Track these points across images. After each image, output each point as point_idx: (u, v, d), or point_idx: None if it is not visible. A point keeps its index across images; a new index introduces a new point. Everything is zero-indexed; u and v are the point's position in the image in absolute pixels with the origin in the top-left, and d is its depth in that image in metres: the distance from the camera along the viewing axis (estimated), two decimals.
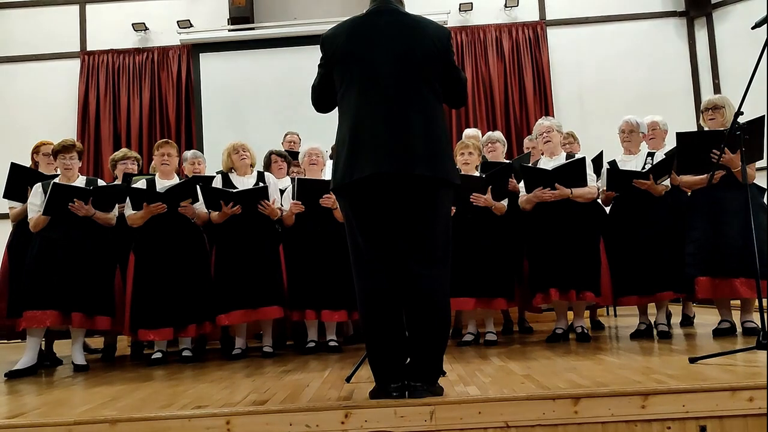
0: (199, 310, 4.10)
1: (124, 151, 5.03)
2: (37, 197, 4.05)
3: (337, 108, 2.62)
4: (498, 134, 5.02)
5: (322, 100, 2.66)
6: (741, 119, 3.09)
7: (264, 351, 4.20)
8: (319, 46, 2.60)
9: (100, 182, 4.31)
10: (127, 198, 4.16)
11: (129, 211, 4.15)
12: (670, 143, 4.26)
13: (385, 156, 2.39)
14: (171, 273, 4.05)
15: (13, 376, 3.78)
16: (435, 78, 2.51)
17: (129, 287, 4.13)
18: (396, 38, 2.49)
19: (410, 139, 2.41)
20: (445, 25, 5.57)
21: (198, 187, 4.20)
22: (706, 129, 4.07)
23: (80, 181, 4.16)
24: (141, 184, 4.21)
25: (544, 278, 4.06)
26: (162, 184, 4.19)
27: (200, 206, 4.24)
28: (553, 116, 6.64)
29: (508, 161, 4.85)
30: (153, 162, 4.55)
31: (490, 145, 4.87)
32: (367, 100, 2.46)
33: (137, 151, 7.21)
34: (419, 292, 2.42)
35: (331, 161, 2.92)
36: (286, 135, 5.96)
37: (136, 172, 4.71)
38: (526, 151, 5.28)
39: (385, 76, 2.45)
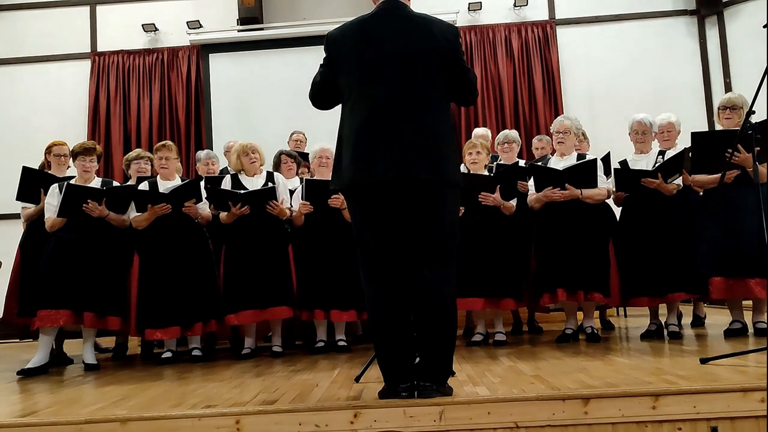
0: (204, 308, 4.12)
1: (137, 151, 5.03)
2: (54, 197, 4.08)
3: (339, 106, 2.61)
4: (514, 134, 4.90)
5: (321, 97, 2.64)
6: (753, 118, 3.06)
7: (273, 351, 4.21)
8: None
9: (114, 183, 4.34)
10: (131, 201, 4.18)
11: (133, 214, 4.17)
12: (682, 143, 4.22)
13: (390, 159, 2.38)
14: (175, 272, 4.08)
15: (25, 374, 3.81)
16: (442, 78, 2.50)
17: (134, 288, 4.14)
18: (402, 38, 2.47)
19: (415, 141, 2.40)
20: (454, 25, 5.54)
21: (202, 187, 4.22)
22: (719, 128, 4.04)
23: (95, 183, 4.18)
24: (143, 186, 4.24)
25: (551, 278, 4.04)
26: (164, 185, 4.22)
27: (203, 206, 4.25)
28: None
29: (522, 166, 4.80)
30: None
31: (506, 144, 4.77)
32: (372, 101, 2.45)
33: (147, 151, 7.26)
34: (425, 293, 2.42)
35: None
36: (292, 134, 5.95)
37: (149, 173, 4.71)
38: (535, 153, 5.25)
39: (391, 77, 2.44)
